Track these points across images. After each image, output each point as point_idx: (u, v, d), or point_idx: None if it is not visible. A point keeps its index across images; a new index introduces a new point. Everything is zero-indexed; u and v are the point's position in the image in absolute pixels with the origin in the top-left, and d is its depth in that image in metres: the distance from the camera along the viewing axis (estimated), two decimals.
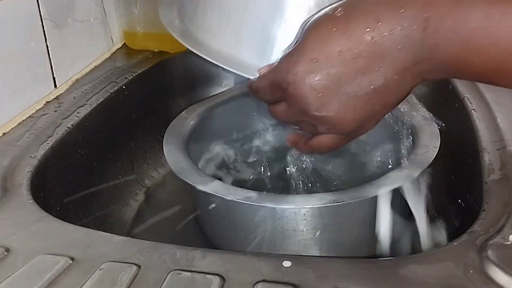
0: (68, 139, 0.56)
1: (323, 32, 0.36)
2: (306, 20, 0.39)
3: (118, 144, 0.66)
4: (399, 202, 0.56)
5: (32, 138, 0.54)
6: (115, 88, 0.66)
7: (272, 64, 0.42)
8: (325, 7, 0.37)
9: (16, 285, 0.36)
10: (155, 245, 0.39)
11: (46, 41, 0.61)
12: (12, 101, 0.57)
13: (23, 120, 0.57)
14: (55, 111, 0.59)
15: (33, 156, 0.51)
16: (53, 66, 0.63)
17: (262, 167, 0.64)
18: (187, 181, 0.51)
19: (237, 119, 0.69)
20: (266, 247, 0.51)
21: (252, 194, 0.50)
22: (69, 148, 0.56)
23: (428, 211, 0.62)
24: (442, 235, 0.48)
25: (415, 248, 0.57)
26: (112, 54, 0.76)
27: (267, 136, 0.70)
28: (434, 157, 0.52)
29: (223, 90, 0.72)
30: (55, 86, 0.64)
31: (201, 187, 0.49)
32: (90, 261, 0.37)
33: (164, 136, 0.58)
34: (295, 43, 0.38)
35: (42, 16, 0.60)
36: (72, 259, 0.38)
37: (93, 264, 0.37)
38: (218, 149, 0.67)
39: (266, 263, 0.37)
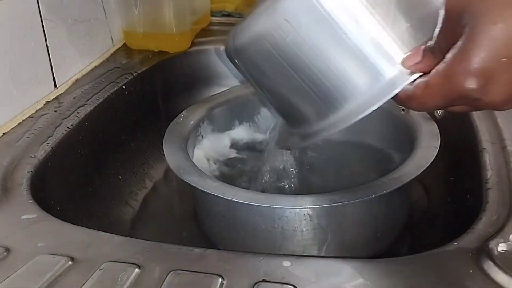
0: (68, 139, 0.56)
1: (498, 12, 0.30)
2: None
3: (118, 144, 0.66)
4: (399, 202, 0.56)
5: (32, 138, 0.54)
6: (115, 88, 0.66)
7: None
8: None
9: (16, 285, 0.36)
10: (155, 245, 0.39)
11: (46, 41, 0.61)
12: (12, 101, 0.57)
13: (23, 120, 0.57)
14: (55, 111, 0.59)
15: (33, 156, 0.51)
16: (53, 66, 0.63)
17: (262, 167, 0.64)
18: (187, 181, 0.51)
19: (237, 119, 0.69)
20: (266, 247, 0.51)
21: (252, 194, 0.50)
22: (69, 148, 0.56)
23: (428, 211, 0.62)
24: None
25: (415, 248, 0.57)
26: (112, 54, 0.76)
27: (268, 135, 0.70)
28: (434, 157, 0.52)
29: (223, 90, 0.72)
30: (55, 86, 0.64)
31: (201, 187, 0.49)
32: (90, 261, 0.37)
33: (164, 136, 0.58)
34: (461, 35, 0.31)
35: (42, 16, 0.60)
36: (72, 259, 0.38)
37: (93, 264, 0.37)
38: (219, 149, 0.67)
39: (266, 263, 0.37)
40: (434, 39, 0.34)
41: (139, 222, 0.63)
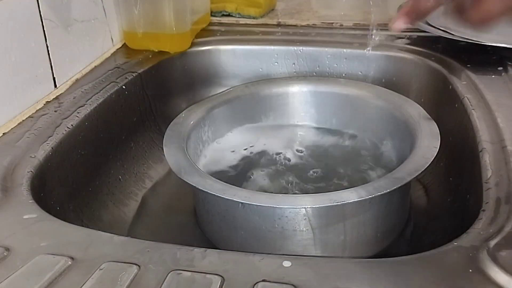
0: (68, 139, 0.56)
1: None
2: None
3: (118, 144, 0.66)
4: (399, 202, 0.56)
5: (32, 138, 0.54)
6: (115, 88, 0.66)
7: None
8: None
9: (16, 285, 0.36)
10: (155, 245, 0.39)
11: (46, 41, 0.61)
12: (12, 101, 0.56)
13: (23, 120, 0.57)
14: (55, 111, 0.59)
15: (33, 156, 0.51)
16: (53, 66, 0.63)
17: (262, 167, 0.64)
18: (187, 181, 0.51)
19: (237, 119, 0.69)
20: (266, 247, 0.51)
21: (252, 194, 0.50)
22: (69, 148, 0.56)
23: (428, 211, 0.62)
24: None
25: (415, 248, 0.57)
26: (112, 54, 0.76)
27: (268, 135, 0.70)
28: (434, 157, 0.52)
29: (223, 90, 0.72)
30: (55, 86, 0.64)
31: (201, 187, 0.49)
32: (90, 261, 0.37)
33: (164, 136, 0.58)
34: None
35: (42, 16, 0.60)
36: (72, 259, 0.38)
37: (93, 264, 0.37)
38: (219, 149, 0.67)
39: (266, 263, 0.37)
40: None
41: (139, 222, 0.63)
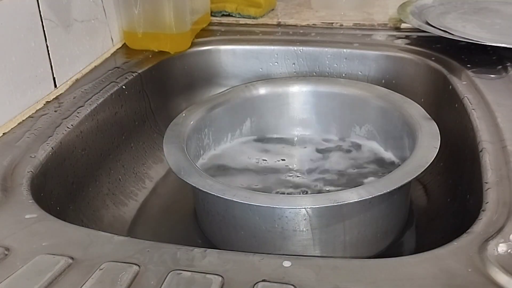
0: (68, 139, 0.56)
1: None
2: None
3: (118, 144, 0.66)
4: (399, 202, 0.56)
5: (32, 138, 0.54)
6: (115, 88, 0.66)
7: None
8: None
9: (16, 285, 0.36)
10: (155, 245, 0.39)
11: (46, 41, 0.61)
12: (12, 101, 0.57)
13: (23, 120, 0.57)
14: (55, 111, 0.59)
15: (33, 156, 0.51)
16: (53, 66, 0.63)
17: (262, 167, 0.64)
18: (187, 181, 0.51)
19: (237, 119, 0.69)
20: (266, 247, 0.51)
21: (252, 194, 0.50)
22: (69, 148, 0.56)
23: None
24: None
25: (415, 248, 0.57)
26: (112, 54, 0.76)
27: (268, 135, 0.70)
28: (434, 157, 0.52)
29: (223, 90, 0.72)
30: (55, 86, 0.64)
31: (201, 187, 0.49)
32: (90, 261, 0.37)
33: (164, 136, 0.58)
34: None
35: (42, 16, 0.60)
36: (72, 259, 0.38)
37: (93, 264, 0.37)
38: (218, 149, 0.67)
39: (266, 263, 0.37)
40: None
41: (139, 222, 0.63)
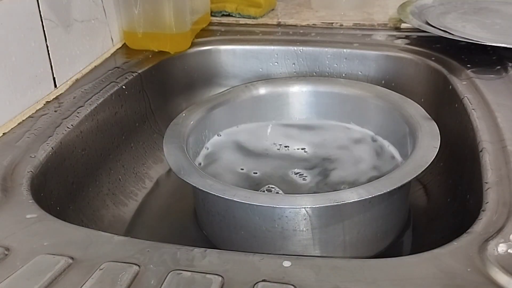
0: (68, 139, 0.56)
1: None
2: None
3: (118, 144, 0.66)
4: (399, 202, 0.56)
5: (32, 138, 0.54)
6: (115, 88, 0.66)
7: None
8: None
9: (16, 285, 0.36)
10: (155, 245, 0.39)
11: (46, 41, 0.61)
12: (12, 101, 0.57)
13: (23, 120, 0.57)
14: (55, 111, 0.59)
15: (33, 156, 0.51)
16: (53, 66, 0.63)
17: (262, 167, 0.64)
18: (187, 181, 0.51)
19: (237, 119, 0.69)
20: (266, 247, 0.51)
21: (252, 194, 0.50)
22: (69, 148, 0.56)
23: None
24: None
25: (415, 248, 0.57)
26: (112, 54, 0.76)
27: (267, 135, 0.70)
28: (434, 157, 0.52)
29: (223, 90, 0.72)
30: (55, 86, 0.64)
31: (201, 187, 0.49)
32: (90, 261, 0.37)
33: (164, 136, 0.58)
34: None
35: (42, 16, 0.60)
36: (72, 259, 0.38)
37: (93, 264, 0.37)
38: (218, 149, 0.67)
39: (266, 263, 0.37)
40: None
41: (139, 222, 0.63)
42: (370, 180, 0.59)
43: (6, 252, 0.38)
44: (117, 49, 0.77)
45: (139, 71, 0.71)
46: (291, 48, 0.79)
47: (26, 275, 0.36)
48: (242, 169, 0.63)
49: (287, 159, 0.65)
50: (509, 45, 0.68)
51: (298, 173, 0.63)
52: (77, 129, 0.58)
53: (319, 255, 0.51)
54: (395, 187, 0.48)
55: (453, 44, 0.73)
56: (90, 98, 0.63)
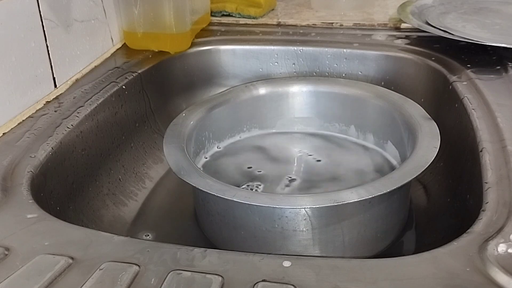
0: (68, 139, 0.56)
1: None
2: None
3: (118, 144, 0.66)
4: (399, 202, 0.56)
5: (32, 138, 0.54)
6: (115, 88, 0.66)
7: None
8: None
9: (16, 285, 0.36)
10: (155, 245, 0.40)
11: (46, 41, 0.61)
12: (12, 101, 0.57)
13: (23, 120, 0.57)
14: (55, 111, 0.59)
15: (33, 156, 0.51)
16: (53, 66, 0.63)
17: (262, 167, 0.64)
18: (187, 181, 0.51)
19: (237, 119, 0.69)
20: (266, 247, 0.51)
21: (252, 194, 0.50)
22: (69, 148, 0.56)
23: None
24: None
25: (415, 248, 0.57)
26: (112, 54, 0.76)
27: (268, 135, 0.70)
28: (434, 157, 0.52)
29: (223, 90, 0.72)
30: (55, 86, 0.64)
31: (201, 187, 0.49)
32: (90, 261, 0.37)
33: (164, 136, 0.58)
34: None
35: (42, 16, 0.60)
36: (72, 259, 0.38)
37: (93, 264, 0.37)
38: (218, 149, 0.67)
39: (266, 263, 0.37)
40: None
41: (139, 222, 0.63)
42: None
43: (6, 252, 0.38)
44: (117, 49, 0.77)
45: (139, 71, 0.71)
46: (291, 48, 0.79)
47: (26, 275, 0.36)
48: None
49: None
50: (509, 45, 0.68)
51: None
52: (77, 129, 0.58)
53: (319, 255, 0.51)
54: (395, 187, 0.48)
55: (453, 44, 0.73)
56: (90, 98, 0.63)
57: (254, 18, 0.90)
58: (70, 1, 0.65)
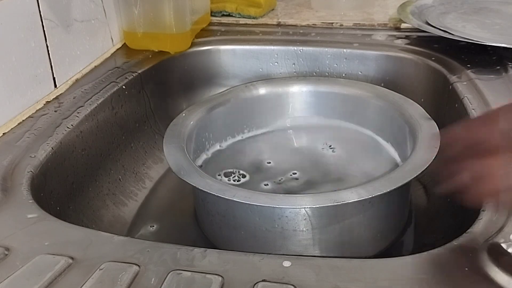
0: (68, 139, 0.56)
1: None
2: None
3: (118, 144, 0.66)
4: (399, 202, 0.56)
5: (32, 138, 0.54)
6: (115, 88, 0.66)
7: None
8: None
9: (16, 285, 0.36)
10: (155, 245, 0.40)
11: (46, 41, 0.61)
12: (12, 101, 0.57)
13: (23, 120, 0.57)
14: (55, 111, 0.59)
15: (33, 156, 0.51)
16: (53, 66, 0.63)
17: (261, 167, 0.64)
18: (187, 181, 0.51)
19: (237, 119, 0.69)
20: (266, 247, 0.51)
21: (252, 194, 0.50)
22: (69, 148, 0.56)
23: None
24: None
25: (415, 248, 0.57)
26: (112, 54, 0.76)
27: (267, 135, 0.70)
28: (434, 157, 0.52)
29: (223, 90, 0.72)
30: (55, 86, 0.64)
31: (201, 187, 0.49)
32: (90, 261, 0.37)
33: (164, 136, 0.58)
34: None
35: (42, 16, 0.60)
36: (72, 259, 0.38)
37: (93, 264, 0.37)
38: (218, 149, 0.67)
39: (266, 263, 0.37)
40: None
41: (139, 222, 0.63)
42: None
43: (6, 252, 0.38)
44: (117, 49, 0.77)
45: (139, 71, 0.71)
46: (291, 48, 0.79)
47: (26, 275, 0.36)
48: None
49: None
50: (509, 45, 0.68)
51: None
52: (77, 129, 0.58)
53: (319, 255, 0.51)
54: (395, 187, 0.48)
55: (453, 44, 0.73)
56: (90, 98, 0.63)
57: (254, 18, 0.90)
58: (70, 1, 0.65)
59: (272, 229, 0.50)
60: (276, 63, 0.79)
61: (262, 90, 0.70)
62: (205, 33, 0.84)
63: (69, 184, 0.56)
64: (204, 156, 0.65)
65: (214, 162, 0.64)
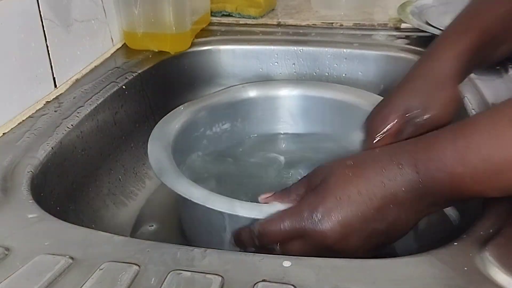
0: (68, 139, 0.56)
1: (342, 178, 0.42)
2: (317, 169, 0.45)
3: (118, 144, 0.66)
4: None
5: (32, 138, 0.54)
6: (115, 88, 0.66)
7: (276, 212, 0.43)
8: (335, 159, 0.45)
9: (16, 285, 0.36)
10: (155, 245, 0.40)
11: (46, 41, 0.61)
12: (12, 101, 0.57)
13: (23, 120, 0.57)
14: (55, 111, 0.59)
15: (33, 156, 0.51)
16: (53, 66, 0.63)
17: (251, 171, 0.64)
18: (166, 183, 0.50)
19: (232, 119, 0.68)
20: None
21: (237, 203, 0.46)
22: (69, 148, 0.56)
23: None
24: None
25: (415, 248, 0.57)
26: (112, 54, 0.76)
27: (259, 138, 0.69)
28: None
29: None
30: (55, 86, 0.64)
31: (181, 192, 0.48)
32: (90, 261, 0.37)
33: (150, 137, 0.56)
34: (316, 187, 0.43)
35: (42, 16, 0.60)
36: (72, 259, 0.38)
37: (93, 264, 0.37)
38: (205, 152, 0.66)
39: (266, 263, 0.37)
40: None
41: (139, 222, 0.63)
42: None
43: (6, 252, 0.38)
44: (117, 49, 0.77)
45: (139, 71, 0.71)
46: (291, 48, 0.79)
47: (26, 275, 0.36)
48: None
49: None
50: None
51: None
52: (77, 129, 0.58)
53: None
54: None
55: None
56: (90, 98, 0.63)
57: (254, 18, 0.90)
58: (70, 1, 0.65)
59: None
60: (276, 63, 0.79)
61: (253, 93, 0.69)
62: (205, 33, 0.84)
63: (69, 184, 0.56)
64: (192, 157, 0.63)
65: (204, 163, 0.63)
